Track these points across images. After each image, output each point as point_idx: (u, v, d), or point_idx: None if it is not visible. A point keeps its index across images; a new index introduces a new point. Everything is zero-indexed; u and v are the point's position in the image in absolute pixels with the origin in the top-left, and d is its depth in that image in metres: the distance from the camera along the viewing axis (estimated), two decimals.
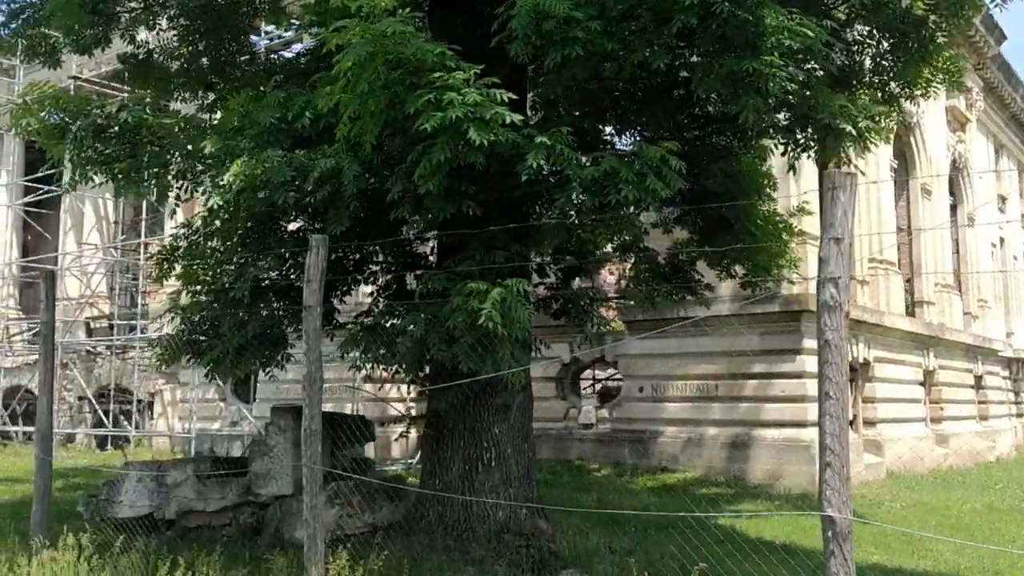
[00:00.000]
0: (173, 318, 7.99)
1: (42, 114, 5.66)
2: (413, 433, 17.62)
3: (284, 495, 8.31)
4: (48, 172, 24.79)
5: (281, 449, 8.44)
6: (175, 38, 8.62)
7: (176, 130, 5.76)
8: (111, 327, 23.96)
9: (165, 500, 8.57)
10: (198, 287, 7.57)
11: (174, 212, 8.13)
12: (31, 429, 24.06)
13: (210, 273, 6.28)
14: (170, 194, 6.74)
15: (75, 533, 6.57)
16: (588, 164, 5.49)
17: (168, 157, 5.80)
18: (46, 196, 25.23)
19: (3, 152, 26.90)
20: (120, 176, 5.87)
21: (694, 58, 6.00)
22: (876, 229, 17.47)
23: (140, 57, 8.39)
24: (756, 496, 13.27)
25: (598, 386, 19.35)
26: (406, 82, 4.97)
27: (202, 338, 7.85)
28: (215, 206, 5.61)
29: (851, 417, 15.95)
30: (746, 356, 14.64)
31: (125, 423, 21.72)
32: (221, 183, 5.65)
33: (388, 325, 6.60)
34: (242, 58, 8.97)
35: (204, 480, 8.50)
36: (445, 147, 4.89)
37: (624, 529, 9.34)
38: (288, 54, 10.09)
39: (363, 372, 16.56)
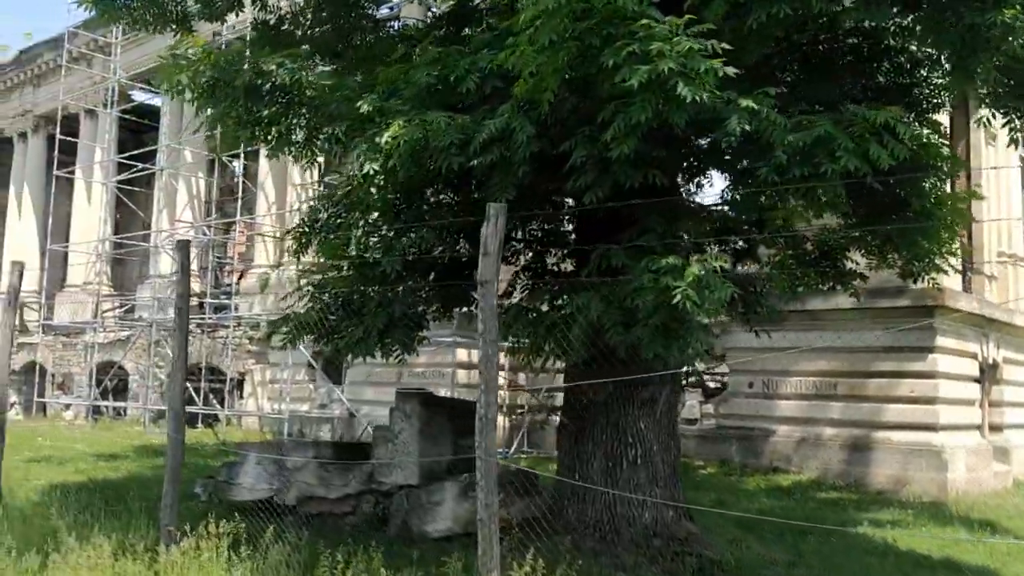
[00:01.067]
0: (299, 296, 7.53)
1: (193, 71, 5.24)
2: (501, 421, 17.17)
3: (410, 485, 7.87)
4: (144, 150, 25.13)
5: (407, 436, 8.01)
6: (304, 4, 8.21)
7: (330, 89, 5.28)
8: (201, 305, 24.09)
9: (286, 484, 8.22)
10: (332, 263, 7.11)
11: (320, 180, 7.58)
12: (122, 404, 24.46)
13: (356, 247, 5.81)
14: (318, 159, 6.27)
15: (203, 517, 6.25)
16: (791, 129, 4.82)
17: (320, 118, 5.33)
18: (140, 173, 25.52)
19: (98, 130, 27.28)
20: (274, 138, 5.41)
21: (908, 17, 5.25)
22: (1005, 218, 16.31)
23: (271, 23, 8.01)
24: (884, 503, 12.41)
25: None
26: (602, 33, 4.38)
27: (331, 317, 7.40)
28: (371, 171, 5.12)
29: (979, 422, 14.91)
30: (870, 353, 13.74)
31: (215, 402, 21.80)
32: (378, 146, 5.16)
33: (543, 307, 6.04)
34: (368, 24, 8.52)
35: (326, 465, 8.12)
36: (647, 105, 4.29)
37: (757, 534, 8.70)
38: (411, 21, 9.62)
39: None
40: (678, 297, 4.60)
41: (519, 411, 17.86)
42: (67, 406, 26.30)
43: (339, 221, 6.55)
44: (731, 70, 4.29)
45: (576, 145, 4.87)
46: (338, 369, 20.02)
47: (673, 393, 7.48)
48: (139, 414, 23.37)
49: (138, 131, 28.48)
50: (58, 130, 26.18)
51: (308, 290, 7.38)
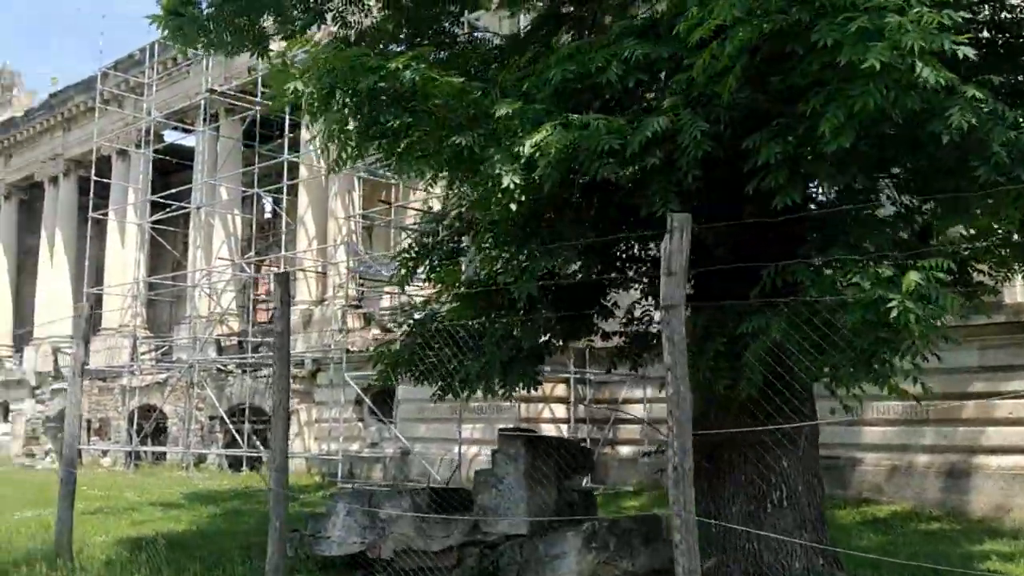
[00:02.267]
0: (399, 325, 6.88)
1: (310, 76, 4.63)
2: None
3: (517, 535, 7.16)
4: (178, 189, 24.77)
5: (512, 481, 7.30)
6: (385, 18, 7.67)
7: (459, 94, 4.67)
8: (240, 344, 23.57)
9: (380, 537, 7.52)
10: (436, 293, 6.45)
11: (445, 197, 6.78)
12: (162, 449, 23.87)
13: (484, 270, 5.16)
14: (441, 175, 5.60)
15: None
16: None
17: (446, 128, 4.71)
18: (175, 213, 25.14)
19: (131, 170, 26.99)
20: (401, 151, 4.78)
21: None
22: None
23: (351, 40, 7.46)
24: (991, 533, 11.54)
25: None
26: (813, 3, 3.75)
27: (429, 352, 6.74)
28: (511, 185, 4.48)
29: None
30: (964, 373, 12.91)
31: (258, 443, 21.15)
32: (518, 155, 4.54)
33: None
34: (447, 39, 7.96)
35: (424, 515, 7.42)
36: (876, 90, 3.64)
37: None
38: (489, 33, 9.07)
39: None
40: (895, 312, 3.93)
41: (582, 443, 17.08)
42: (104, 452, 25.73)
43: (451, 246, 5.91)
44: (970, 51, 3.65)
45: (762, 141, 4.22)
46: (387, 406, 19.36)
47: (816, 427, 6.76)
48: (179, 458, 22.76)
49: (165, 172, 28.21)
50: (92, 172, 25.91)
51: (408, 323, 6.70)
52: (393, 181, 21.36)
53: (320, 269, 21.16)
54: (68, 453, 7.76)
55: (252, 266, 22.86)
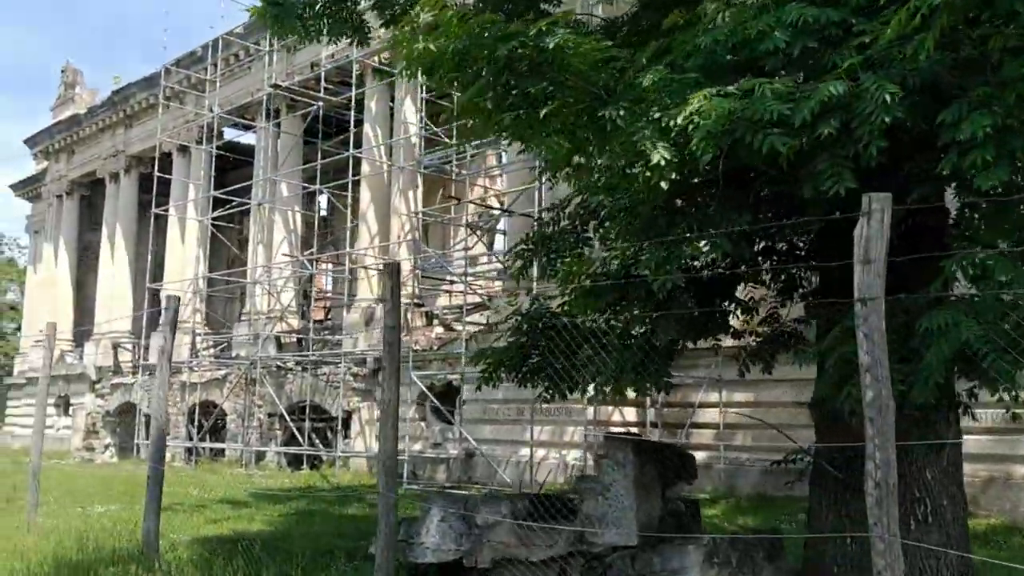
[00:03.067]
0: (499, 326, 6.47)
1: (441, 40, 4.20)
2: None
3: (627, 546, 6.71)
4: (239, 186, 24.77)
5: (620, 488, 6.85)
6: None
7: (598, 62, 4.23)
8: (299, 341, 23.45)
9: (477, 545, 7.12)
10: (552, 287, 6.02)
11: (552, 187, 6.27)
12: (221, 446, 23.85)
13: (616, 260, 4.71)
14: (576, 158, 5.15)
15: None
16: None
17: (586, 99, 4.27)
18: (235, 210, 25.16)
19: (191, 167, 27.09)
20: (539, 122, 4.32)
21: None
22: None
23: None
24: None
25: None
26: None
27: (534, 351, 6.31)
28: (661, 160, 4.04)
29: None
30: None
31: (318, 442, 20.99)
32: (669, 128, 4.10)
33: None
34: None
35: (524, 523, 7.01)
36: None
37: None
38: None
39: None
40: None
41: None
42: None
43: (571, 237, 5.47)
44: None
45: (965, 112, 3.72)
46: (450, 406, 19.03)
47: (959, 434, 6.21)
48: (238, 455, 22.72)
49: (223, 169, 28.28)
50: (155, 167, 26.10)
51: (516, 320, 6.27)
52: (454, 177, 21.08)
53: (382, 266, 20.91)
54: (156, 448, 7.51)
55: (312, 263, 22.70)
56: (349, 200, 20.80)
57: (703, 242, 4.44)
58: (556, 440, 15.83)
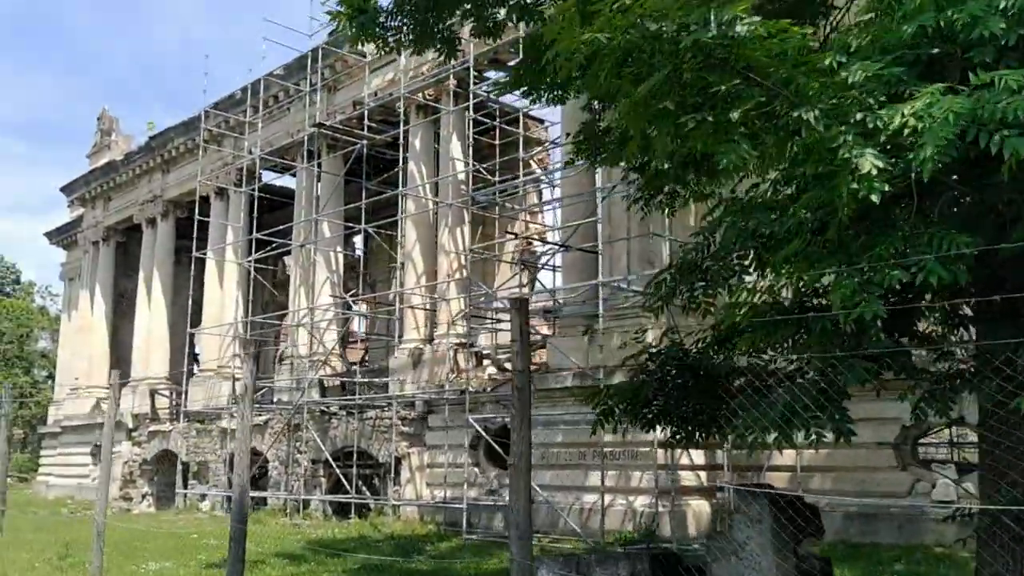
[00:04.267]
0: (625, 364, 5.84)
1: (612, 28, 3.61)
2: (703, 505, 15.10)
3: None
4: (280, 228, 24.43)
5: (755, 547, 6.16)
6: None
7: (788, 60, 3.66)
8: (343, 386, 22.87)
9: None
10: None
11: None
12: (263, 494, 23.16)
13: (803, 284, 4.06)
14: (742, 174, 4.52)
15: None
16: None
17: (774, 100, 3.68)
18: (272, 252, 24.82)
19: (229, 210, 26.85)
20: (726, 127, 3.70)
21: None
22: None
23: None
24: None
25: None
26: None
27: (661, 392, 5.66)
28: (872, 171, 3.46)
29: None
30: None
31: (365, 489, 20.29)
32: (883, 129, 3.51)
33: None
34: None
35: None
36: None
37: None
38: None
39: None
40: None
41: (719, 493, 15.74)
42: (203, 496, 25.20)
43: (717, 265, 4.85)
44: None
45: None
46: (504, 451, 18.30)
47: None
48: (280, 503, 22.03)
49: (260, 211, 28.04)
50: (196, 211, 25.94)
51: (651, 357, 5.62)
52: (496, 215, 20.59)
53: (429, 306, 20.38)
54: (238, 506, 6.87)
55: (363, 303, 22.18)
56: (398, 238, 20.34)
57: (913, 267, 3.80)
58: (622, 485, 15.05)
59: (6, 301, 56.20)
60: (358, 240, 30.91)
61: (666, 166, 5.78)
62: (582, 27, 3.92)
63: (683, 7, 3.76)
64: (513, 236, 18.81)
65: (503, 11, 6.56)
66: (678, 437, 5.98)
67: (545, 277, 21.85)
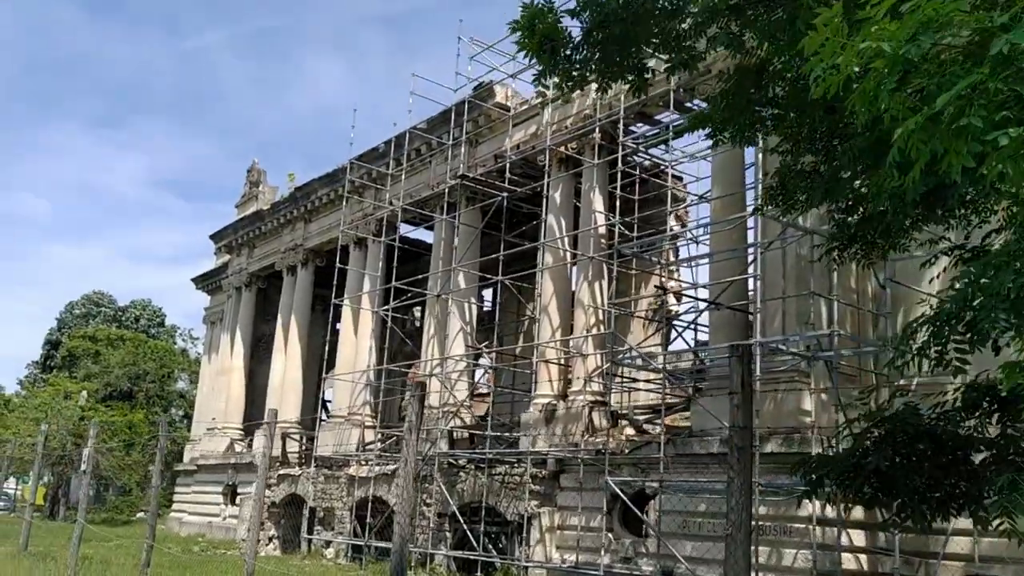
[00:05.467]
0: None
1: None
2: None
3: None
4: (411, 279, 24.68)
5: None
6: None
7: None
8: (471, 439, 22.58)
9: None
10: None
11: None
12: (384, 544, 22.98)
13: None
14: None
15: None
16: None
17: None
18: (408, 303, 25.04)
19: (367, 259, 27.40)
20: None
21: None
22: None
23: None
24: None
25: None
26: None
27: (888, 462, 4.91)
28: None
29: None
30: None
31: (491, 548, 19.73)
32: None
33: None
34: None
35: None
36: None
37: None
38: None
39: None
40: None
41: None
42: (328, 543, 25.25)
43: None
44: None
45: None
46: (639, 516, 17.42)
47: None
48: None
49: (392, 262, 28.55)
50: (337, 259, 26.52)
51: (879, 420, 4.92)
52: (634, 270, 20.04)
53: (563, 361, 19.90)
54: (397, 559, 6.50)
55: (491, 356, 21.96)
56: (536, 290, 20.08)
57: None
58: (773, 563, 13.92)
59: (151, 343, 59.35)
60: (486, 293, 31.02)
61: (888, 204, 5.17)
62: (848, 38, 3.43)
63: (976, 10, 3.22)
64: (662, 292, 18.17)
65: (703, 42, 6.17)
66: (902, 516, 5.20)
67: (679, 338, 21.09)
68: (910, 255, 11.28)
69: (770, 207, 7.32)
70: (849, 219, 7.17)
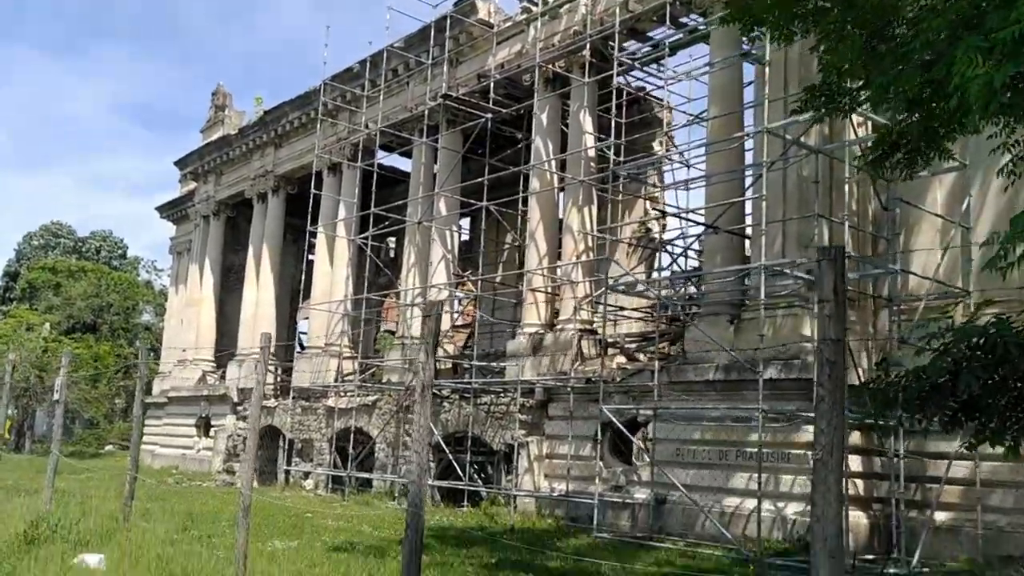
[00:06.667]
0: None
1: None
2: (860, 517, 13.60)
3: None
4: (389, 205, 23.81)
5: None
6: None
7: None
8: (454, 369, 22.15)
9: None
10: None
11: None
12: (369, 476, 22.64)
13: None
14: None
15: None
16: None
17: None
18: (385, 231, 24.25)
19: (342, 185, 26.43)
20: None
21: None
22: None
23: None
24: None
25: None
26: None
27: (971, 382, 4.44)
28: None
29: None
30: None
31: (476, 477, 19.46)
32: None
33: None
34: None
35: None
36: None
37: None
38: None
39: None
40: None
41: (876, 504, 14.25)
42: (306, 474, 24.89)
43: None
44: None
45: None
46: (629, 445, 17.18)
47: None
48: (386, 486, 21.45)
49: (371, 188, 27.59)
50: (312, 186, 25.56)
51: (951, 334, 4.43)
52: (621, 196, 19.44)
53: (551, 289, 19.38)
54: (415, 490, 5.99)
55: (474, 286, 21.36)
56: (527, 216, 19.42)
57: None
58: (771, 490, 13.74)
59: (114, 274, 57.84)
60: (464, 223, 30.20)
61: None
62: None
63: None
64: (660, 214, 17.56)
65: None
66: (981, 437, 4.77)
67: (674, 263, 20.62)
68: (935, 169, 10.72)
69: (807, 112, 6.78)
70: (900, 123, 6.62)
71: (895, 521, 13.77)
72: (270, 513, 16.03)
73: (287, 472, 25.12)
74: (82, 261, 59.55)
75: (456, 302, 25.96)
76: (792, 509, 13.59)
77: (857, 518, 13.73)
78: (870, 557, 13.18)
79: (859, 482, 14.08)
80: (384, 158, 27.97)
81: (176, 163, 36.75)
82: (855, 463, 14.04)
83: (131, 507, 11.44)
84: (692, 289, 16.45)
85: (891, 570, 12.18)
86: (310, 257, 30.34)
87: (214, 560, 8.42)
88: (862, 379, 13.82)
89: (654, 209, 18.36)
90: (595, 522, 14.76)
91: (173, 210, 40.16)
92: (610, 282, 15.93)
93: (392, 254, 34.59)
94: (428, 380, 6.05)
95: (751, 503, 13.96)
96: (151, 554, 8.21)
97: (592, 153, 18.84)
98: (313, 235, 27.68)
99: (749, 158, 15.97)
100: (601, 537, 14.31)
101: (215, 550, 9.80)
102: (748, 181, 15.87)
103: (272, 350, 29.17)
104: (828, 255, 3.85)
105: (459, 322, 25.15)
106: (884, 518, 14.24)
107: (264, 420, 27.50)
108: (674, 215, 16.19)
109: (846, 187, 13.64)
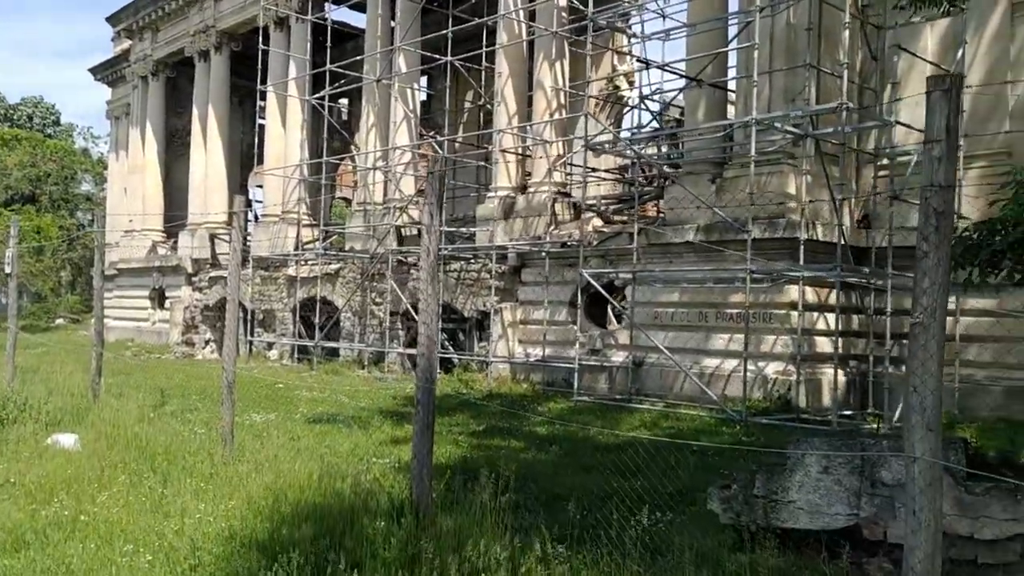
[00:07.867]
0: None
1: None
2: (831, 374, 13.68)
3: None
4: (344, 62, 22.36)
5: None
6: None
7: None
8: (419, 235, 21.48)
9: (884, 510, 5.07)
10: None
11: None
12: (336, 345, 22.30)
13: None
14: None
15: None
16: None
17: None
18: (342, 89, 22.89)
19: (292, 42, 24.72)
20: None
21: None
22: None
23: None
24: None
25: None
26: None
27: None
28: None
29: None
30: None
31: (448, 345, 19.22)
32: None
33: None
34: None
35: (962, 482, 4.91)
36: None
37: None
38: None
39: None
40: None
41: (852, 362, 14.36)
42: (270, 345, 24.47)
43: None
44: None
45: None
46: (605, 309, 16.99)
47: None
48: (353, 355, 21.17)
49: (323, 46, 25.85)
50: (260, 42, 23.82)
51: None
52: (590, 51, 18.43)
53: (522, 150, 18.59)
54: (426, 364, 5.52)
55: (455, 145, 20.39)
56: (497, 71, 18.33)
57: None
58: (751, 350, 13.66)
59: (49, 142, 54.89)
60: (423, 82, 28.71)
61: None
62: None
63: None
64: (644, 65, 16.58)
65: None
66: None
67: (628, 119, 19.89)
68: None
69: None
70: None
71: (871, 378, 13.92)
72: (241, 384, 15.60)
73: (250, 343, 24.60)
74: (15, 129, 56.26)
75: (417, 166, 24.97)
76: (772, 368, 13.59)
77: (831, 375, 13.82)
78: (848, 412, 13.34)
79: (838, 340, 14.09)
80: (335, 11, 26.14)
81: (108, 19, 34.10)
82: (834, 321, 14.00)
83: (100, 384, 10.88)
84: (666, 148, 15.81)
85: (871, 426, 12.32)
86: (260, 121, 28.79)
87: (197, 439, 7.97)
88: (847, 236, 13.60)
89: (638, 61, 17.40)
90: (575, 386, 14.64)
91: (108, 71, 37.61)
92: (588, 141, 15.18)
93: (345, 116, 33.05)
94: (434, 246, 5.45)
95: (730, 364, 13.94)
96: (128, 433, 7.73)
97: (563, 2, 17.65)
98: (263, 96, 26.14)
99: (733, 5, 15.05)
100: (581, 400, 14.24)
101: (193, 426, 9.37)
102: (732, 32, 15.02)
103: (227, 220, 28.16)
104: (942, 85, 3.27)
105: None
106: (860, 375, 14.40)
107: (222, 291, 26.74)
108: (658, 67, 15.30)
109: (844, 33, 12.87)
